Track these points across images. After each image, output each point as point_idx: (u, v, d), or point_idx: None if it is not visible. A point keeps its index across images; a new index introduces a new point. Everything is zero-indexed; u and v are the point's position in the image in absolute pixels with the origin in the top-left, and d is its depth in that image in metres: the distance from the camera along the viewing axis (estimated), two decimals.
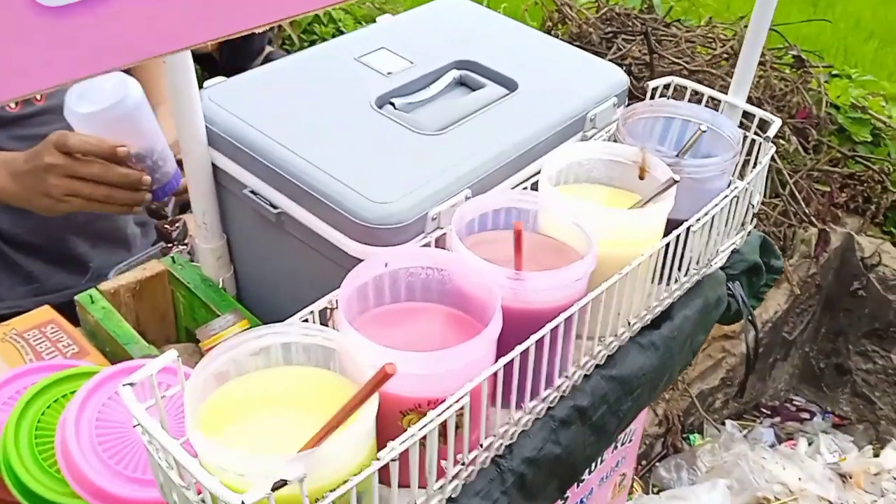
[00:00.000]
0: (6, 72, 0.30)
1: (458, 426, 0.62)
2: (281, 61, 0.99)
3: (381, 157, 0.82)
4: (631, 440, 1.17)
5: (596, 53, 1.21)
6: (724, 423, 1.99)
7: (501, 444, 0.70)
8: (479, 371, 0.62)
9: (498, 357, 0.64)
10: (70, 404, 0.67)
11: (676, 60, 2.19)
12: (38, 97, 1.15)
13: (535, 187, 0.84)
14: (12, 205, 1.01)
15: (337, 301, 0.67)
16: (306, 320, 0.67)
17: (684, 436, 1.97)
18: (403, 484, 0.60)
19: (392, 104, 0.92)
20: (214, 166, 0.87)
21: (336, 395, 0.61)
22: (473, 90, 0.97)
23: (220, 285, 0.91)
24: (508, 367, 0.64)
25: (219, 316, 0.84)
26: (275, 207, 0.82)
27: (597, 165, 0.85)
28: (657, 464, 1.86)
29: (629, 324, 0.79)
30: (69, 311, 0.91)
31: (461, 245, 0.70)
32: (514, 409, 0.69)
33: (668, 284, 0.82)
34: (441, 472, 0.63)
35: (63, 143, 0.92)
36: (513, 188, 0.86)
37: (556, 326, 0.67)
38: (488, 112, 0.91)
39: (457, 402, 0.59)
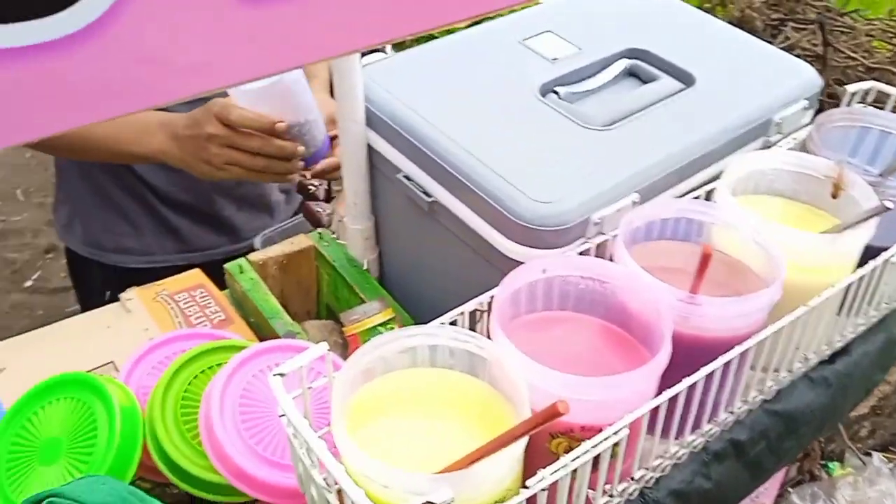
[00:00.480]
0: (204, 64, 0.27)
1: (612, 456, 0.57)
2: (444, 39, 0.95)
3: (543, 151, 0.77)
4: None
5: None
6: (869, 455, 1.83)
7: (652, 477, 0.64)
8: (640, 401, 0.57)
9: (661, 385, 0.59)
10: (216, 378, 0.67)
11: (852, 55, 2.01)
12: None
13: (707, 196, 0.77)
14: (170, 164, 1.03)
15: (489, 304, 0.63)
16: (455, 321, 0.63)
17: (823, 462, 1.83)
18: None
19: (556, 93, 0.86)
20: (370, 147, 0.84)
21: (485, 406, 0.58)
22: (645, 82, 0.90)
23: (365, 266, 0.89)
24: (672, 398, 0.58)
25: (361, 299, 0.82)
26: (428, 196, 0.79)
27: (782, 176, 0.77)
28: (790, 489, 1.74)
29: (806, 359, 0.71)
30: (212, 271, 0.93)
31: (629, 258, 0.64)
32: (671, 442, 0.63)
33: (854, 317, 0.73)
34: (588, 503, 0.59)
35: (225, 115, 0.93)
36: (682, 195, 0.79)
37: (730, 361, 0.61)
38: (661, 108, 0.84)
39: (615, 433, 0.54)
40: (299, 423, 0.50)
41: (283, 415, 0.52)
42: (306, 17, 0.29)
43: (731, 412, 0.67)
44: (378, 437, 0.55)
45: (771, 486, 1.12)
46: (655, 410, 0.58)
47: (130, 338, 0.79)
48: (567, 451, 0.54)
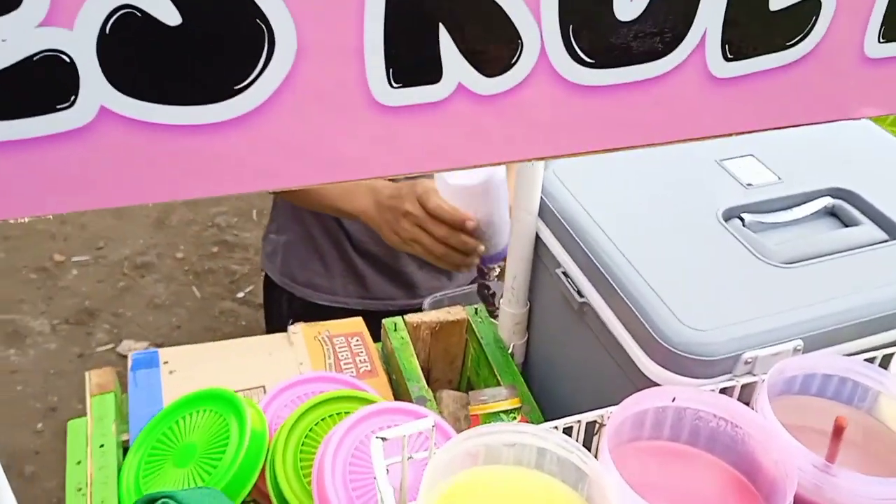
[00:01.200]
0: (337, 158, 0.31)
1: None
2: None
3: (709, 277, 0.75)
4: None
5: None
6: None
7: None
8: None
9: None
10: (339, 426, 0.70)
11: None
12: None
13: (884, 362, 0.70)
14: (366, 223, 1.12)
15: (607, 420, 0.62)
16: (570, 428, 0.63)
17: None
18: None
19: (741, 219, 0.83)
20: (538, 237, 0.86)
21: None
22: (846, 226, 0.84)
23: (510, 350, 0.90)
24: None
25: (498, 381, 0.83)
26: (581, 296, 0.79)
27: None
28: None
29: None
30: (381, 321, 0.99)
31: (769, 408, 0.60)
32: None
33: None
34: None
35: (425, 200, 1.01)
36: (854, 353, 0.73)
37: None
38: (855, 256, 0.78)
39: None
40: (385, 490, 0.52)
41: (375, 478, 0.55)
42: (447, 130, 0.33)
43: None
44: None
45: None
46: None
47: (285, 368, 0.86)
48: None
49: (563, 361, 0.87)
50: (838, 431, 0.57)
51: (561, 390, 0.87)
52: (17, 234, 2.91)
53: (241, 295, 2.80)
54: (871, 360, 0.70)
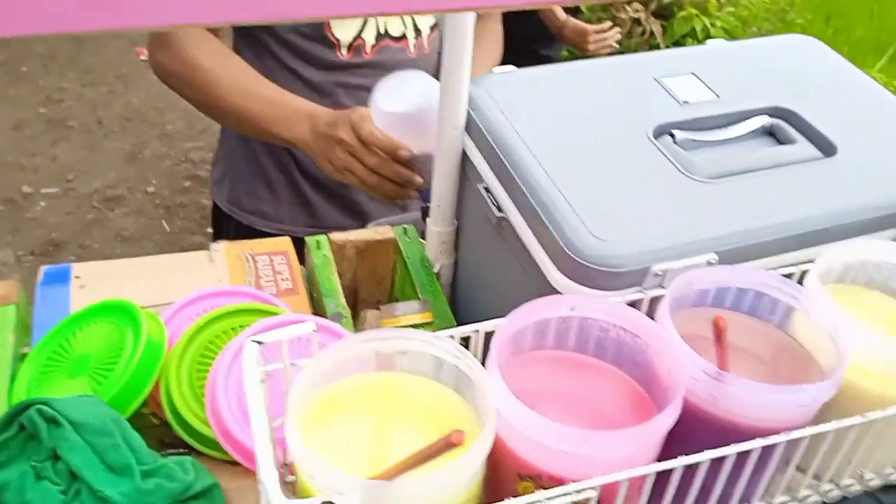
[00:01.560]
0: None
1: None
2: (579, 63, 0.92)
3: (626, 191, 0.72)
4: None
5: None
6: None
7: None
8: (626, 464, 0.51)
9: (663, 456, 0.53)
10: (236, 338, 0.69)
11: None
12: (367, 50, 1.22)
13: (801, 279, 0.68)
14: (304, 152, 1.09)
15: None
16: (467, 338, 0.61)
17: None
18: None
19: (672, 136, 0.80)
20: (464, 153, 0.83)
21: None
22: (781, 143, 0.82)
23: (436, 269, 0.88)
24: (664, 474, 0.52)
25: (419, 299, 0.81)
26: (500, 210, 0.76)
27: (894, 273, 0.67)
28: None
29: (861, 477, 0.61)
30: None
31: (667, 317, 0.58)
32: None
33: None
34: None
35: (359, 128, 0.98)
36: (770, 269, 0.71)
37: (749, 451, 0.53)
38: (783, 172, 0.76)
39: (577, 492, 0.49)
40: (253, 398, 0.50)
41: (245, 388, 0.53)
42: None
43: None
44: (335, 433, 0.54)
45: None
46: (640, 484, 0.52)
47: (202, 285, 0.83)
48: None
49: (485, 281, 0.85)
50: (719, 334, 0.55)
51: (484, 311, 0.85)
52: None
53: (210, 230, 2.78)
54: (788, 277, 0.68)
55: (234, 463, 0.66)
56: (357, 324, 0.82)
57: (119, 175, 2.96)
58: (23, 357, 0.73)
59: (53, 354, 0.70)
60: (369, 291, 0.94)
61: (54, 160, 2.97)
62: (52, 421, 0.56)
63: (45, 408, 0.57)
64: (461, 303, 0.90)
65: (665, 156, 0.77)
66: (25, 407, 0.57)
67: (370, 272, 0.93)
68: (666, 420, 0.52)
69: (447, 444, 0.43)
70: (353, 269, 0.92)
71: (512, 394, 0.51)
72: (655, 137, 0.79)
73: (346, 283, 0.89)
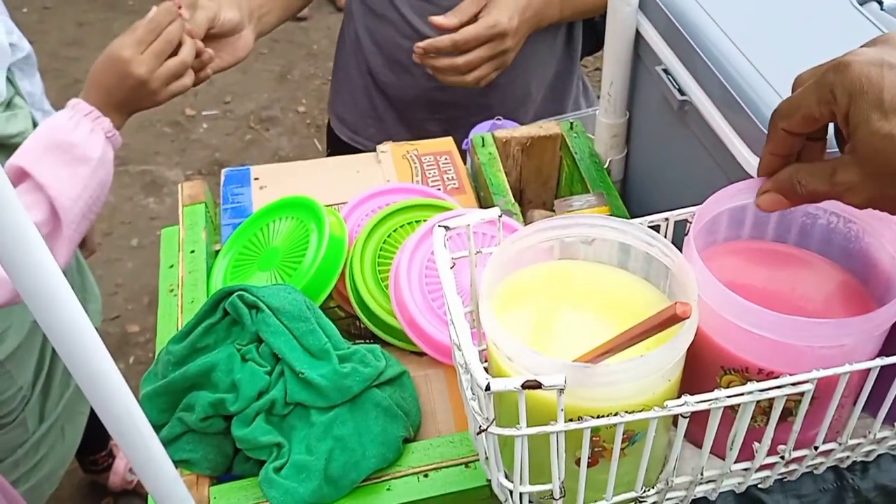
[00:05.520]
0: None
1: (791, 413, 0.49)
2: None
3: None
4: None
5: None
6: None
7: (849, 458, 0.54)
8: (844, 359, 0.47)
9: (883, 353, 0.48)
10: (415, 232, 0.69)
11: None
12: None
13: None
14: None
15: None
16: (658, 226, 0.57)
17: None
18: (695, 444, 0.50)
19: (879, 2, 0.71)
20: (638, 34, 0.78)
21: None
22: None
23: (606, 165, 0.84)
24: (887, 370, 0.48)
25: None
26: (682, 93, 0.71)
27: None
28: None
29: None
30: None
31: None
32: (878, 423, 0.52)
33: None
34: (749, 454, 0.51)
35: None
36: None
37: None
38: None
39: (793, 385, 0.46)
40: (446, 278, 0.50)
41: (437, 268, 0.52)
42: None
43: None
44: (527, 318, 0.53)
45: None
46: (862, 379, 0.48)
47: (372, 184, 0.84)
48: None
49: (663, 174, 0.80)
50: None
51: (660, 208, 0.81)
52: None
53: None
54: None
55: (418, 353, 0.67)
56: (526, 224, 0.80)
57: (271, 96, 3.05)
58: (215, 254, 0.77)
59: (244, 249, 0.73)
60: (535, 192, 0.91)
61: (211, 83, 3.10)
62: (253, 307, 0.59)
63: (246, 294, 0.59)
64: (633, 200, 0.86)
65: (873, 23, 0.68)
66: (227, 294, 0.60)
67: (535, 171, 0.90)
68: (892, 310, 0.47)
69: (672, 318, 0.41)
70: (518, 168, 0.89)
71: (720, 282, 0.48)
72: (861, 4, 0.71)
73: (511, 182, 0.87)
